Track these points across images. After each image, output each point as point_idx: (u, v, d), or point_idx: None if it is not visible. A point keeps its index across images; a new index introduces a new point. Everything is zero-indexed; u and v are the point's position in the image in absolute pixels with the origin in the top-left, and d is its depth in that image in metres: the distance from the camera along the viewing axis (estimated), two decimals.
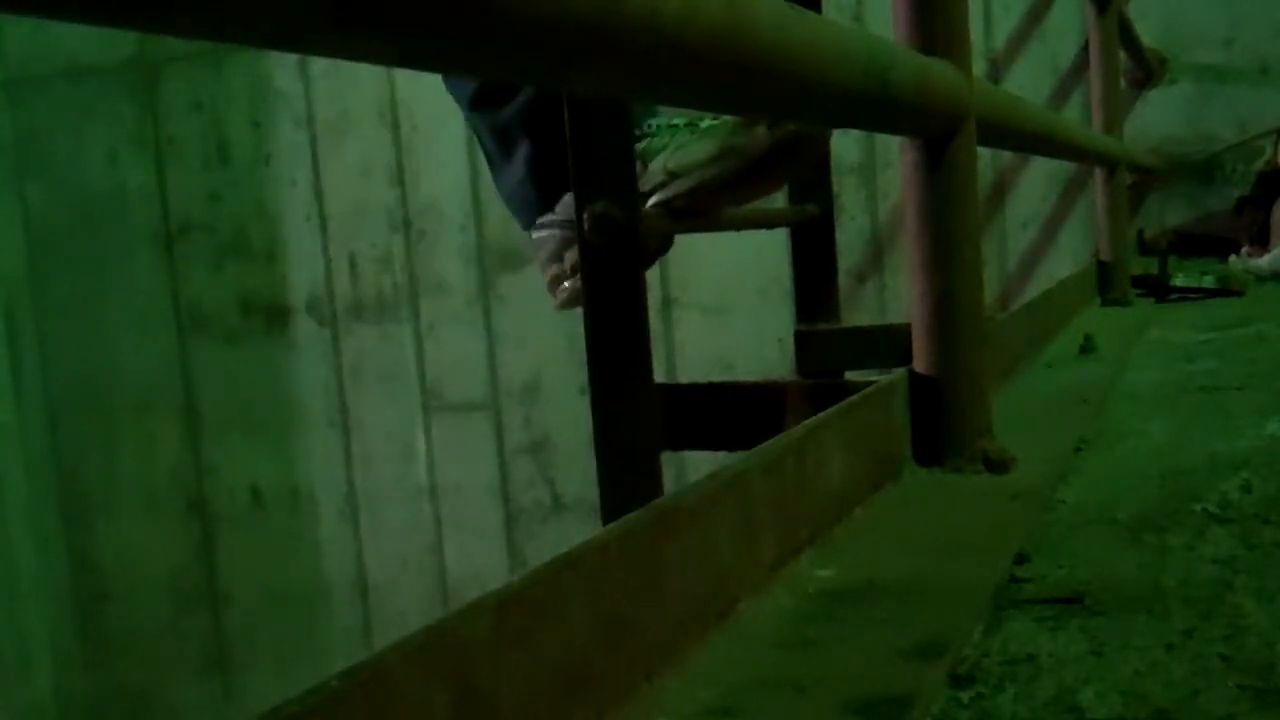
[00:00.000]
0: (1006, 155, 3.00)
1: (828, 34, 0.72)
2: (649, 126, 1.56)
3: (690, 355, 3.35)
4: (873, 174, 3.15)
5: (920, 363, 1.06)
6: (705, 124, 1.53)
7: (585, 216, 1.26)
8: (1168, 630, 0.66)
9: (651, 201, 1.50)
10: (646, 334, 1.34)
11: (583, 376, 2.20)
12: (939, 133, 1.01)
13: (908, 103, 0.88)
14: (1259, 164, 2.85)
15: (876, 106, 0.84)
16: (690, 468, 2.97)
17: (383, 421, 3.67)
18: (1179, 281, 2.50)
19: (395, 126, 3.57)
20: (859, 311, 3.09)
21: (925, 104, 0.93)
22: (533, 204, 1.63)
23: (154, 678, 3.97)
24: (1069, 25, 2.98)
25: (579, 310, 1.37)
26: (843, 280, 2.62)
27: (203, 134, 3.77)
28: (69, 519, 4.05)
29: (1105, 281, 2.52)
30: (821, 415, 0.89)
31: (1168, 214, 2.98)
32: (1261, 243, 2.75)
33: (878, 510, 0.92)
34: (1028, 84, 2.97)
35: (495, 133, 1.61)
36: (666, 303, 3.34)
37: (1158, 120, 2.98)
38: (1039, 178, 3.06)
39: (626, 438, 1.31)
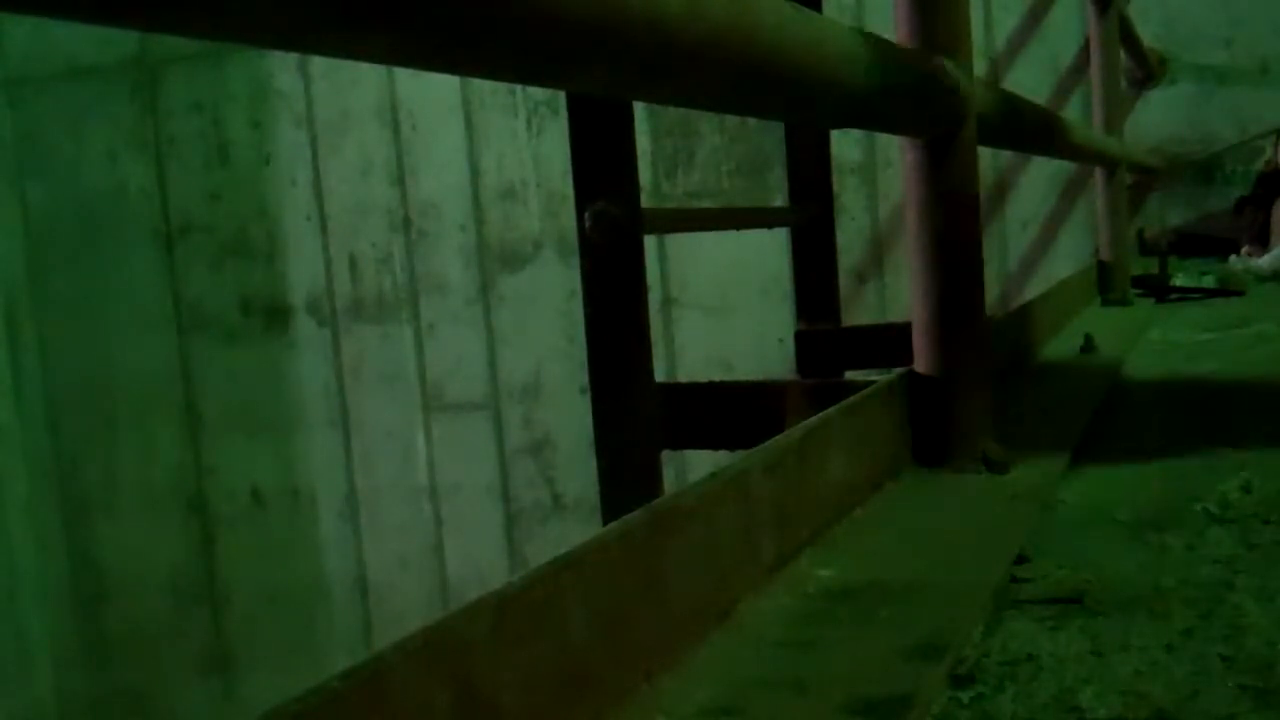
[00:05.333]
0: (1006, 155, 3.00)
1: (829, 34, 0.72)
2: None
3: (690, 355, 3.35)
4: (873, 174, 3.15)
5: (920, 363, 1.06)
6: None
7: (585, 216, 1.26)
8: (1168, 630, 0.66)
9: None
10: (647, 334, 1.34)
11: (583, 376, 2.20)
12: (940, 132, 1.01)
13: (909, 102, 0.88)
14: (1259, 164, 2.85)
15: (878, 106, 0.84)
16: (690, 467, 2.97)
17: (383, 421, 3.67)
18: (1179, 281, 2.50)
19: (395, 126, 3.56)
20: (859, 311, 3.09)
21: (926, 103, 0.93)
22: None
23: (154, 677, 3.96)
24: (1069, 25, 2.98)
25: (579, 310, 1.37)
26: (843, 280, 2.62)
27: (203, 134, 3.77)
28: (69, 519, 4.05)
29: (1105, 281, 2.52)
30: (821, 415, 0.89)
31: (1168, 214, 2.98)
32: (1261, 243, 2.75)
33: (878, 510, 0.92)
34: (1028, 84, 2.97)
35: None
36: (667, 302, 3.34)
37: (1158, 120, 2.98)
38: (1039, 178, 3.06)
39: (627, 437, 1.31)
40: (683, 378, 3.26)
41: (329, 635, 3.76)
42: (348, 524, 3.75)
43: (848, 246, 3.06)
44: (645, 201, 1.58)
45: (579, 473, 3.42)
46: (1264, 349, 1.70)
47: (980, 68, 3.00)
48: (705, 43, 0.57)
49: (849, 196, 3.14)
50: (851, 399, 0.95)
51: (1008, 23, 3.05)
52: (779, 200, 2.90)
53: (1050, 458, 1.08)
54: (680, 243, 3.29)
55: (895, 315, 3.02)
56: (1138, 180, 2.89)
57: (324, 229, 3.67)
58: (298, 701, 0.41)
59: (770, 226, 2.71)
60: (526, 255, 3.45)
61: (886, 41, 0.84)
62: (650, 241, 2.14)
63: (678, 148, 3.29)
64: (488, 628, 0.50)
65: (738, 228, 2.58)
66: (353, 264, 3.66)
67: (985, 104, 1.12)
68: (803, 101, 0.77)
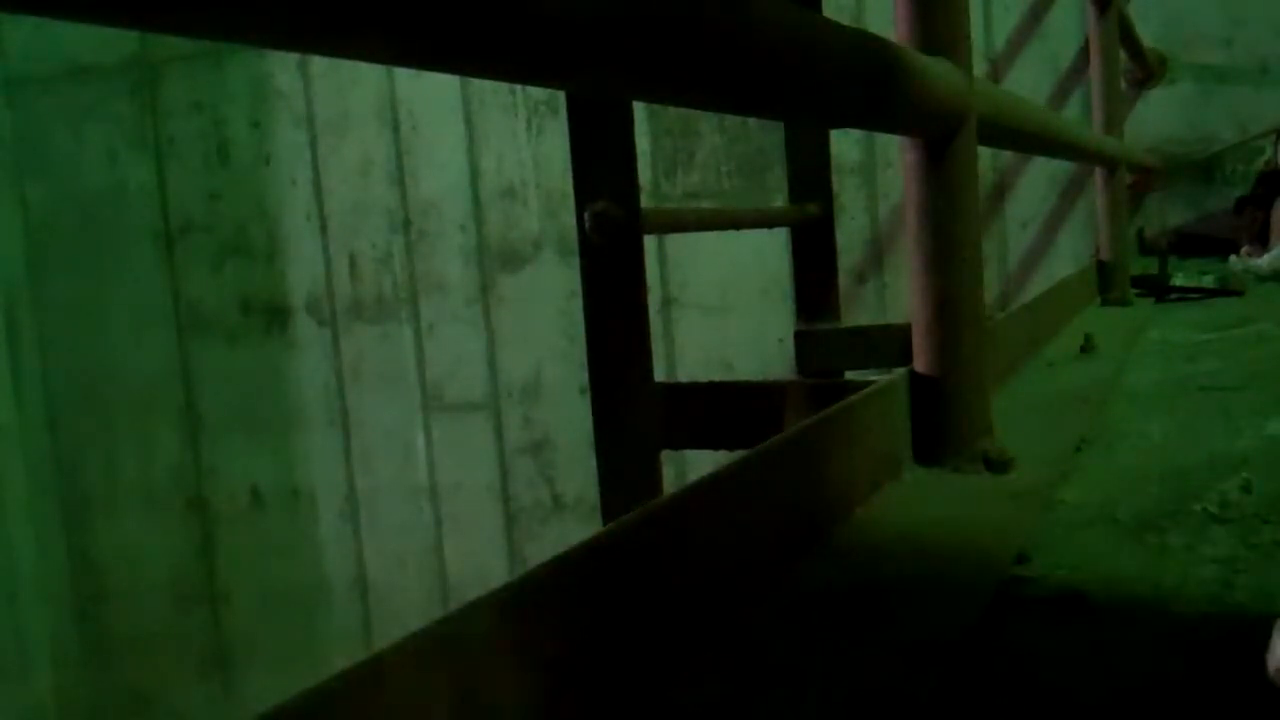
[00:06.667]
0: (1007, 155, 3.00)
1: (829, 34, 0.72)
2: None
3: (690, 355, 3.35)
4: (873, 174, 3.15)
5: (920, 362, 1.06)
6: None
7: (585, 216, 1.26)
8: (1168, 630, 0.66)
9: None
10: (647, 333, 1.34)
11: (582, 376, 2.20)
12: (940, 132, 1.01)
13: (909, 102, 0.88)
14: (1259, 164, 2.84)
15: (878, 106, 0.84)
16: (690, 467, 2.97)
17: (383, 421, 3.67)
18: (1179, 281, 2.49)
19: (395, 126, 3.56)
20: (859, 311, 3.09)
21: (926, 104, 0.93)
22: None
23: (154, 677, 3.96)
24: (1069, 25, 2.98)
25: (579, 310, 1.37)
26: (842, 280, 2.62)
27: (203, 134, 3.77)
28: (69, 519, 4.05)
29: (1105, 281, 2.52)
30: (821, 415, 0.89)
31: (1168, 214, 2.98)
32: (1261, 242, 2.75)
33: (878, 510, 0.92)
34: (1028, 84, 2.97)
35: None
36: (666, 302, 3.34)
37: (1158, 120, 2.98)
38: (1039, 178, 3.06)
39: (627, 437, 1.31)
40: (682, 377, 3.26)
41: (329, 635, 3.76)
42: (347, 524, 3.75)
43: (847, 246, 3.06)
44: (644, 202, 1.58)
45: (579, 473, 3.42)
46: (1264, 349, 1.70)
47: (980, 68, 3.00)
48: (703, 42, 0.57)
49: (848, 196, 3.14)
50: (851, 399, 0.95)
51: (1007, 23, 3.05)
52: (779, 200, 2.90)
53: (1050, 457, 1.08)
54: (680, 243, 3.29)
55: (895, 315, 3.02)
56: (1137, 180, 2.89)
57: (324, 229, 3.67)
58: (297, 702, 0.41)
59: (770, 227, 2.71)
60: (526, 255, 3.45)
61: (886, 41, 0.84)
62: (650, 241, 2.14)
63: (677, 148, 3.29)
64: (488, 628, 0.50)
65: (737, 228, 2.58)
66: (352, 264, 3.66)
67: (985, 104, 1.12)
68: (802, 101, 0.77)
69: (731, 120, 3.20)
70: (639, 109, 2.51)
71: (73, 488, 4.04)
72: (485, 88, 3.44)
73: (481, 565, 3.58)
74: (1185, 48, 2.93)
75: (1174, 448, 1.12)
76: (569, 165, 1.34)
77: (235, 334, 3.80)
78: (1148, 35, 2.92)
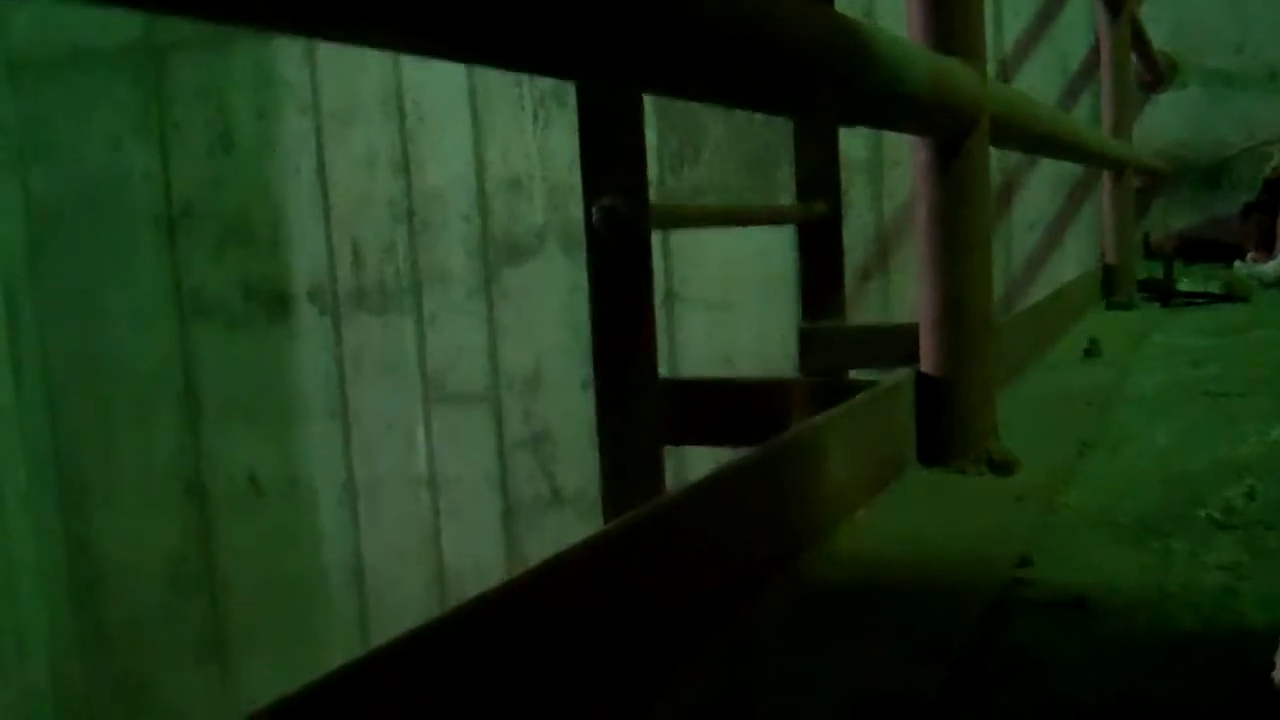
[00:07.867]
0: (1013, 157, 2.99)
1: (843, 31, 0.71)
2: None
3: (693, 351, 3.35)
4: (879, 172, 3.15)
5: (927, 363, 1.06)
6: None
7: (593, 210, 1.26)
8: (1171, 635, 0.66)
9: None
10: (652, 329, 1.34)
11: (583, 370, 2.19)
12: (953, 132, 1.01)
13: (923, 101, 0.87)
14: (1267, 170, 2.84)
15: (891, 105, 0.84)
16: (690, 464, 2.97)
17: (383, 411, 3.67)
18: (1184, 286, 2.49)
19: (400, 115, 3.56)
20: (863, 310, 3.08)
21: (940, 103, 0.92)
22: None
23: (151, 664, 3.97)
24: (1079, 27, 2.97)
25: (581, 304, 1.37)
26: (847, 278, 2.62)
27: (207, 120, 3.77)
28: (67, 506, 4.05)
29: (1110, 285, 2.52)
30: (825, 414, 0.88)
31: (1174, 218, 2.98)
32: (1267, 248, 2.75)
33: (881, 510, 0.92)
34: (1037, 85, 2.96)
35: None
36: (669, 297, 3.33)
37: (1166, 124, 2.97)
38: (1046, 180, 3.05)
39: (630, 432, 1.31)
40: (685, 373, 3.26)
41: (326, 623, 3.76)
42: (346, 513, 3.74)
43: (852, 245, 3.05)
44: (650, 196, 1.57)
45: (578, 466, 3.41)
46: (1269, 354, 1.69)
47: (989, 69, 2.99)
48: (719, 38, 0.56)
49: (855, 194, 3.13)
50: (856, 398, 0.95)
51: (1017, 24, 3.04)
52: (784, 197, 2.90)
53: (1054, 460, 1.07)
54: (684, 238, 3.28)
55: (899, 314, 3.01)
56: (1144, 184, 2.88)
57: (327, 217, 3.67)
58: (297, 701, 0.40)
59: (779, 223, 2.71)
60: (530, 248, 3.45)
61: (900, 39, 0.83)
62: (654, 236, 2.13)
63: (683, 143, 3.28)
64: (483, 626, 0.50)
65: (745, 225, 2.58)
66: (355, 253, 3.65)
67: (998, 105, 1.11)
68: (814, 98, 0.76)
69: (738, 116, 3.19)
70: (645, 103, 2.49)
71: (71, 474, 4.04)
72: (492, 79, 3.43)
73: (479, 557, 3.57)
74: (1195, 52, 2.93)
75: (1178, 452, 1.12)
76: (574, 158, 1.33)
77: (237, 321, 3.79)
78: (1158, 38, 2.91)
